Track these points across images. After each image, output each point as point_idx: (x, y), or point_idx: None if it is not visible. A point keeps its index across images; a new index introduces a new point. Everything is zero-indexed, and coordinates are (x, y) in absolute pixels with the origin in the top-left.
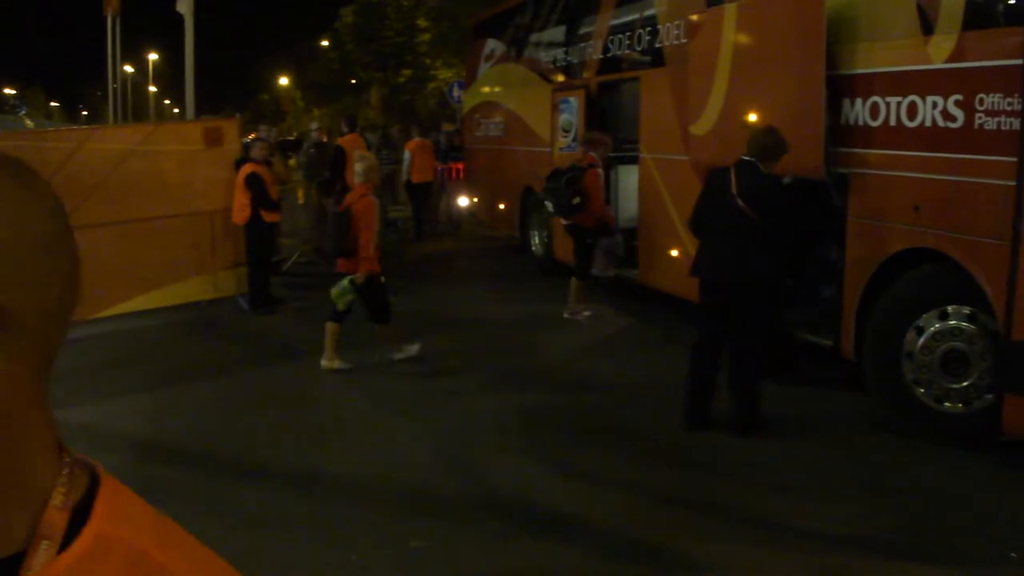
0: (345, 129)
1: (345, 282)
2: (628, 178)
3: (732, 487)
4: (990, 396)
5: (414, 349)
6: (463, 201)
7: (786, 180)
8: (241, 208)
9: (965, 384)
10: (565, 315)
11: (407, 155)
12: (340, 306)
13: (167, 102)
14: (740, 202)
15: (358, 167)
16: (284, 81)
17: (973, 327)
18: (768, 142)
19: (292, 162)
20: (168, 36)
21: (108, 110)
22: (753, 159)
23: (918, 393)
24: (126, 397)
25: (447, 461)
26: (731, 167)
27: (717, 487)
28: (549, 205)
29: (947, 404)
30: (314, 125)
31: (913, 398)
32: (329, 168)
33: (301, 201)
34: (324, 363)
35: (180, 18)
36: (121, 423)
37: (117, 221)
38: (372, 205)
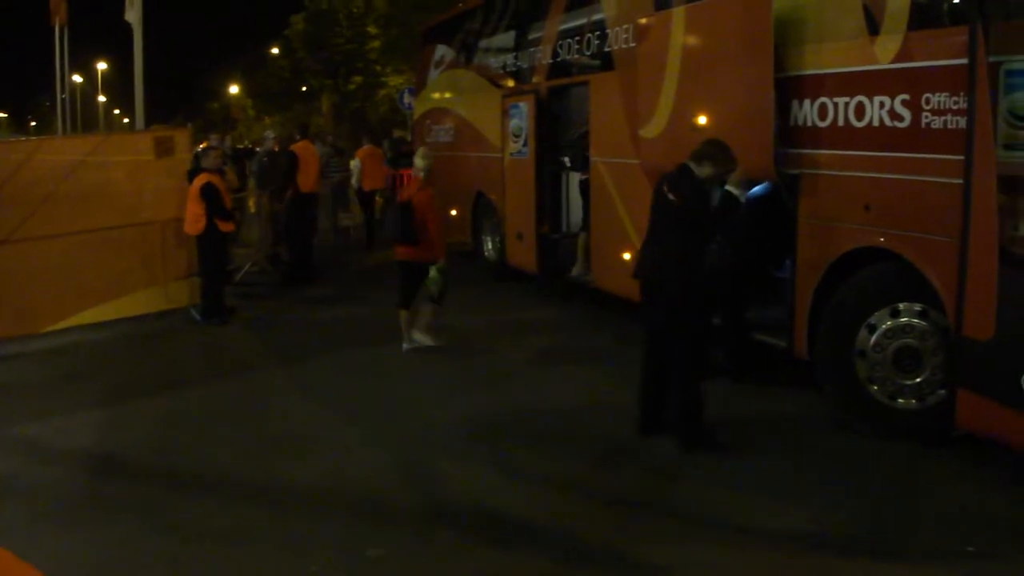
0: (298, 136)
1: (434, 272)
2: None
3: (693, 490)
4: (943, 392)
5: (429, 341)
6: None
7: (736, 192)
8: (195, 219)
9: (918, 380)
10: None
11: (357, 163)
12: (435, 292)
13: (117, 112)
14: (668, 193)
15: (419, 162)
16: (234, 89)
17: (924, 324)
18: (703, 148)
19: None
20: (117, 45)
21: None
22: (688, 162)
23: (872, 391)
24: (77, 412)
25: (404, 469)
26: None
27: (678, 490)
28: None
29: (900, 401)
30: (270, 134)
31: (867, 396)
32: (282, 174)
33: (252, 210)
34: (420, 338)
35: (128, 27)
36: (71, 439)
37: (67, 233)
38: (432, 196)
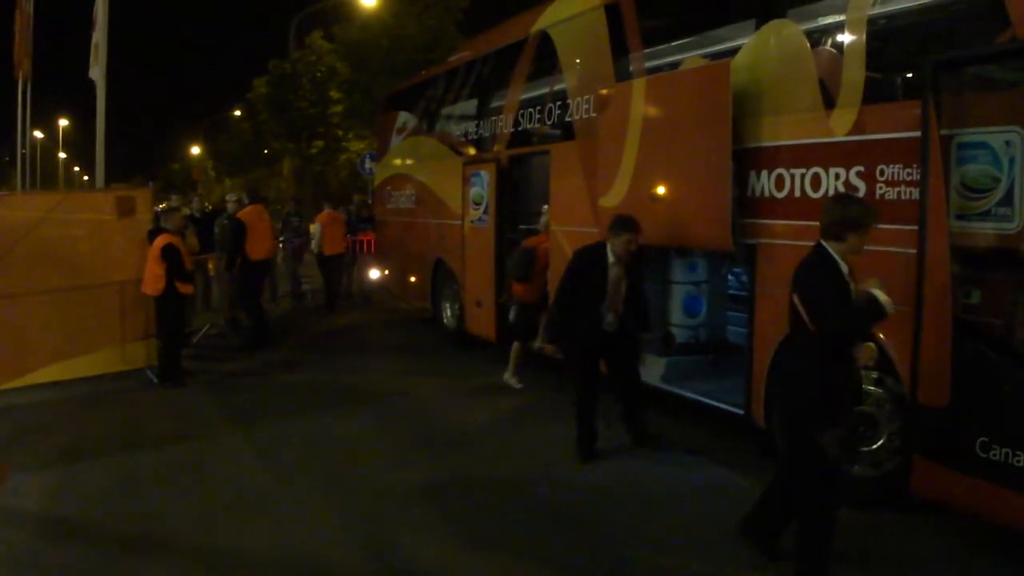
0: (246, 201)
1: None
2: None
3: (653, 555)
4: (899, 458)
5: (515, 382)
6: (374, 273)
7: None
8: (155, 279)
9: (874, 447)
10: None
11: (318, 227)
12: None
13: (77, 169)
14: None
15: (544, 219)
16: (196, 150)
17: (880, 391)
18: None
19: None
20: (79, 102)
21: (16, 176)
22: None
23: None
24: (26, 473)
25: (356, 537)
26: None
27: (638, 557)
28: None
29: (857, 467)
30: (232, 197)
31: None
32: (231, 240)
33: (213, 272)
34: (508, 378)
35: (92, 84)
36: (21, 501)
37: (25, 291)
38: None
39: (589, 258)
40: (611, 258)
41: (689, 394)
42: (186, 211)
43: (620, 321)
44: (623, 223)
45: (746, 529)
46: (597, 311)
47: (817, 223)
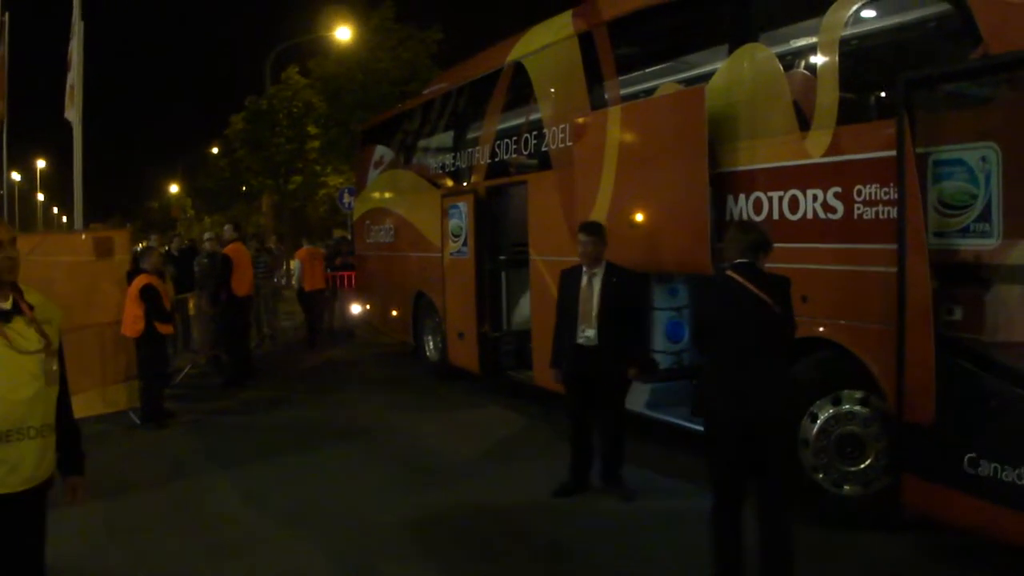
0: (226, 237)
1: None
2: (519, 281)
3: None
4: (888, 477)
5: None
6: (355, 308)
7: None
8: (134, 320)
9: (862, 467)
10: None
11: (297, 264)
12: None
13: (55, 210)
14: (767, 298)
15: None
16: (174, 188)
17: (866, 410)
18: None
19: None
20: (56, 143)
21: None
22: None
23: (818, 479)
24: None
25: (343, 573)
26: None
27: None
28: None
29: (847, 488)
30: (207, 235)
31: (813, 484)
32: (218, 276)
33: (192, 312)
34: None
35: (68, 124)
36: None
37: None
38: None
39: (566, 278)
40: (585, 271)
41: (674, 420)
42: (162, 250)
43: (602, 339)
44: (582, 226)
45: None
46: (576, 330)
47: (797, 245)
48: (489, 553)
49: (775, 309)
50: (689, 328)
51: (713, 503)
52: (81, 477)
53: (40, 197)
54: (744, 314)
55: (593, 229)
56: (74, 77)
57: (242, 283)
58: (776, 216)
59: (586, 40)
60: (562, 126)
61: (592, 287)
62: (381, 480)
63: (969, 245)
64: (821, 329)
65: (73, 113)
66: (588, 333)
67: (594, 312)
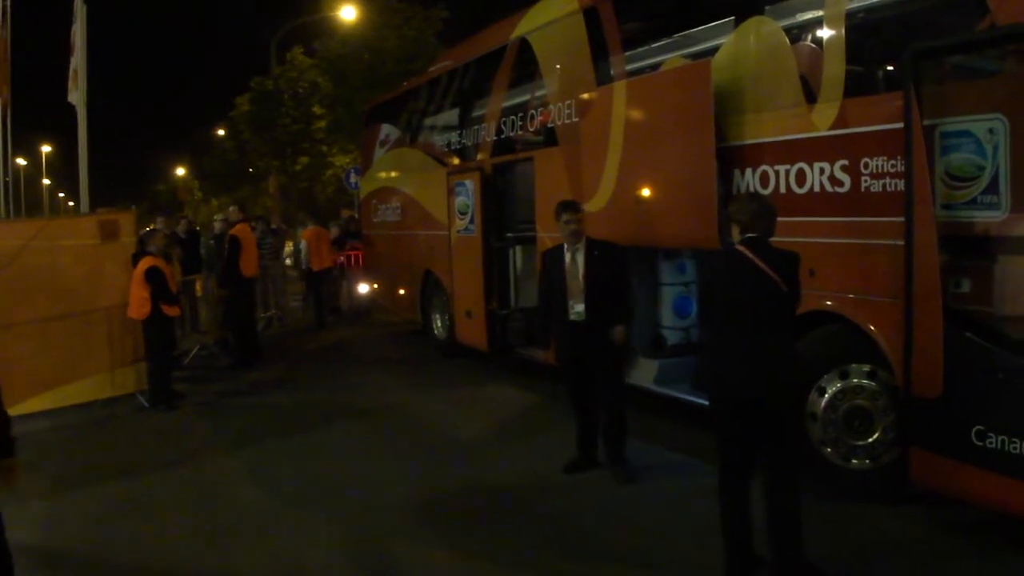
0: (232, 219)
1: None
2: (526, 258)
3: (651, 568)
4: (896, 450)
5: None
6: (363, 287)
7: None
8: (140, 303)
9: (870, 441)
10: None
11: (304, 244)
12: None
13: (61, 195)
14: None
15: None
16: (181, 171)
17: (874, 384)
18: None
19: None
20: (61, 127)
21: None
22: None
23: (826, 453)
24: (17, 504)
25: (357, 554)
26: None
27: (636, 565)
28: None
29: (855, 461)
30: (218, 216)
31: (821, 458)
32: (227, 257)
33: (200, 293)
34: None
35: (73, 108)
36: (11, 532)
37: (10, 320)
38: None
39: (550, 257)
40: (567, 249)
41: (682, 395)
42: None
43: (592, 312)
44: (566, 206)
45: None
46: (567, 307)
47: (803, 219)
48: (497, 530)
49: (782, 287)
50: (697, 301)
51: (720, 477)
52: (13, 459)
53: (46, 182)
54: (752, 290)
55: (578, 207)
56: (77, 61)
57: (249, 264)
58: (783, 190)
59: (591, 15)
60: (568, 102)
61: (577, 263)
62: (389, 459)
63: (977, 217)
64: (828, 303)
65: (77, 96)
66: (578, 308)
67: (581, 286)
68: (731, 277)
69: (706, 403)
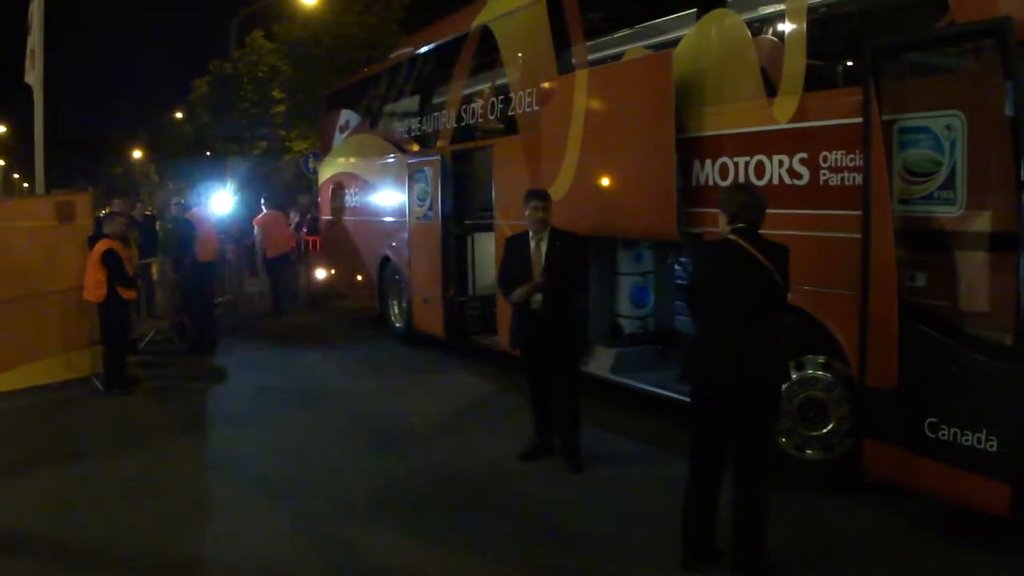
0: (184, 203)
1: None
2: (484, 245)
3: (606, 555)
4: (850, 441)
5: None
6: (320, 273)
7: None
8: (96, 286)
9: (824, 431)
10: None
11: (257, 230)
12: None
13: (16, 176)
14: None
15: None
16: (138, 154)
17: (828, 375)
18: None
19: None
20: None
21: None
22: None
23: (780, 443)
24: None
25: (308, 541)
26: None
27: (596, 553)
28: None
29: (809, 452)
30: (174, 200)
31: (776, 448)
32: (181, 241)
33: (156, 277)
34: None
35: (29, 88)
36: None
37: None
38: None
39: (514, 244)
40: (532, 236)
41: (639, 384)
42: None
43: (551, 301)
44: (535, 194)
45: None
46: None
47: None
48: (455, 517)
49: (776, 277)
50: (686, 290)
51: (692, 467)
52: None
53: (0, 163)
54: (746, 278)
55: (546, 195)
56: (34, 40)
57: (206, 248)
58: (742, 181)
59: (554, 4)
60: (529, 90)
61: (540, 250)
62: (346, 446)
63: (933, 212)
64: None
65: (34, 77)
66: (538, 297)
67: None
68: (724, 267)
69: (662, 392)
